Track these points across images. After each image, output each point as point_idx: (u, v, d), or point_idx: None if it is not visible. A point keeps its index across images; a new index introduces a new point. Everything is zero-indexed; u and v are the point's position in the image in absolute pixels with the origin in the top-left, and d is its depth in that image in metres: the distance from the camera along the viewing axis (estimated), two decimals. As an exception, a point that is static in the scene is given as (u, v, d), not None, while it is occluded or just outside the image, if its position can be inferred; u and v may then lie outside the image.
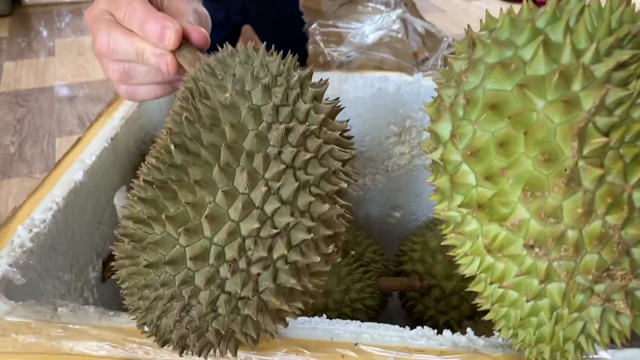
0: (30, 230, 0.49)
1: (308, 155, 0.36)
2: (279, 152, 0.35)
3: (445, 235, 0.40)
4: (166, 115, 0.75)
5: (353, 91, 0.77)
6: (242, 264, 0.34)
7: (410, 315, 0.74)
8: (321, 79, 0.43)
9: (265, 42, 0.45)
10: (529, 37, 0.34)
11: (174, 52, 0.45)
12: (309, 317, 0.42)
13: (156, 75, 0.47)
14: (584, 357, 0.38)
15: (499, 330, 0.39)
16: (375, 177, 0.83)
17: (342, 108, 0.44)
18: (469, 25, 0.39)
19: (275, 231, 0.34)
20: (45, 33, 2.13)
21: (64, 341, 0.39)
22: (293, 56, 0.42)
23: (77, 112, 1.58)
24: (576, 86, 0.32)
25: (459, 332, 0.40)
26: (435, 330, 0.41)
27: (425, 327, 0.40)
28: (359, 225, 0.84)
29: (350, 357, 0.38)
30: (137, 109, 0.68)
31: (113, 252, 0.39)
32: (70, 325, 0.40)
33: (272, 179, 0.35)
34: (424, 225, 0.80)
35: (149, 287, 0.35)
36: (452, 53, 0.40)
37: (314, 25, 0.86)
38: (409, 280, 0.70)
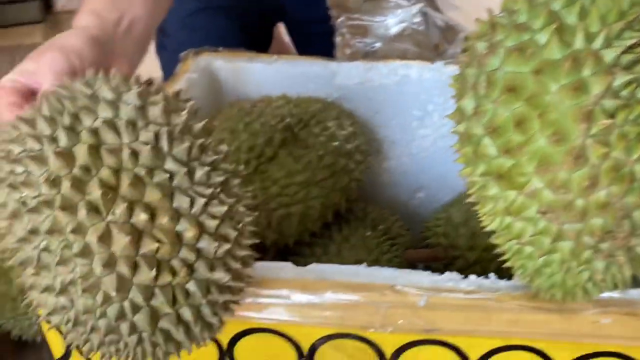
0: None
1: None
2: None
3: (470, 195, 0.45)
4: (207, 105, 0.81)
5: (378, 79, 0.83)
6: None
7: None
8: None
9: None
10: (544, 21, 0.39)
11: None
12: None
13: None
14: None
15: (518, 276, 0.45)
16: (400, 160, 0.89)
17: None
18: (489, 9, 0.45)
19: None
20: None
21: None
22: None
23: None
24: (586, 72, 0.37)
25: (483, 277, 0.46)
26: (463, 275, 0.47)
27: (453, 272, 0.46)
28: (384, 207, 0.89)
29: (389, 295, 0.44)
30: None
31: None
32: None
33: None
34: (447, 204, 0.85)
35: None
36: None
37: (341, 19, 0.93)
38: (433, 251, 0.76)
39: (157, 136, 0.39)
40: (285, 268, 0.48)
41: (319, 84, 0.84)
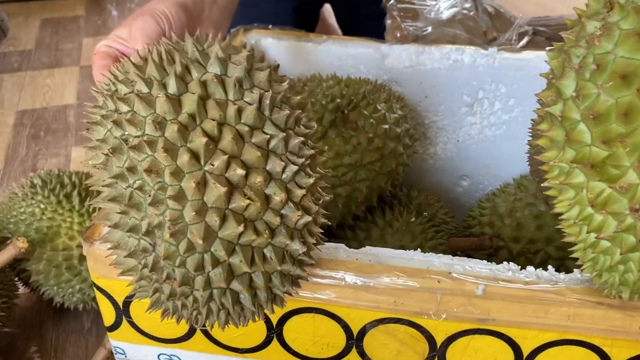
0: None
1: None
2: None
3: (546, 181, 0.42)
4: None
5: (429, 63, 0.81)
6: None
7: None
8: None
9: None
10: None
11: None
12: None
13: None
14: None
15: (584, 269, 0.43)
16: (446, 146, 0.87)
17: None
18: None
19: None
20: (117, 13, 2.24)
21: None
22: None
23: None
24: None
25: (540, 268, 0.45)
26: (520, 267, 0.45)
27: (511, 263, 0.45)
28: (428, 192, 0.88)
29: (446, 282, 0.43)
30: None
31: None
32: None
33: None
34: (491, 193, 0.84)
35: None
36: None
37: (391, 2, 0.91)
38: (479, 240, 0.75)
39: (260, 99, 0.40)
40: (340, 249, 0.47)
41: (369, 65, 0.83)
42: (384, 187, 0.73)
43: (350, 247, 0.73)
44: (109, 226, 0.42)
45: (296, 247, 0.40)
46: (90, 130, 0.44)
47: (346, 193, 0.70)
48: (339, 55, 0.83)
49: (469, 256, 0.79)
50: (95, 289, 0.51)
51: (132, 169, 0.39)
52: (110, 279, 0.49)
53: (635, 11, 0.36)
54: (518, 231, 0.74)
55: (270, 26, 0.85)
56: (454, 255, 0.77)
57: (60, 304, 0.83)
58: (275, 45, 0.84)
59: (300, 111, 0.43)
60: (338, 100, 0.71)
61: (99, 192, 0.43)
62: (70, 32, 2.02)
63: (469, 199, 0.91)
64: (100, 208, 0.51)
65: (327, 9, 1.21)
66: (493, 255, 0.76)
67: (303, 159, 0.41)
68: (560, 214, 0.42)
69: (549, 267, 0.45)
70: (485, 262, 0.46)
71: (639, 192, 0.36)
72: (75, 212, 0.79)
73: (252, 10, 1.01)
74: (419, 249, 0.71)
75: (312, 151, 0.43)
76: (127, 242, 0.41)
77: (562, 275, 0.44)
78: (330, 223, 0.48)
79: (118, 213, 0.41)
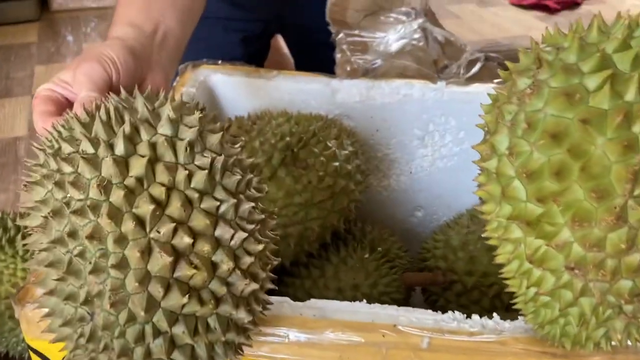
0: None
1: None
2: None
3: (487, 232, 0.43)
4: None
5: (380, 97, 0.82)
6: None
7: (433, 310, 0.79)
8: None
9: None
10: (596, 66, 0.36)
11: None
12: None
13: None
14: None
15: (527, 320, 0.43)
16: (399, 179, 0.88)
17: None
18: (532, 39, 0.42)
19: None
20: (72, 38, 2.20)
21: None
22: None
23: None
24: (636, 128, 0.34)
25: (486, 317, 0.45)
26: (465, 315, 0.45)
27: (455, 312, 0.45)
28: (383, 224, 0.88)
29: (391, 336, 0.43)
30: (180, 113, 0.73)
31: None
32: None
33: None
34: (445, 225, 0.84)
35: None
36: (495, 60, 0.44)
37: (340, 35, 0.91)
38: (432, 275, 0.75)
39: (212, 163, 0.39)
40: (284, 304, 0.46)
41: (320, 100, 0.83)
42: (336, 224, 0.73)
43: (303, 286, 0.72)
44: (45, 293, 0.40)
45: (242, 315, 0.39)
46: (28, 189, 0.42)
47: (298, 232, 0.69)
48: (289, 90, 0.83)
49: (424, 291, 0.80)
50: (30, 350, 0.49)
51: (73, 234, 0.38)
52: (45, 341, 0.47)
53: (562, 69, 0.37)
54: (471, 264, 0.74)
55: (219, 61, 0.85)
56: (408, 291, 0.78)
57: (4, 353, 0.80)
58: (225, 81, 0.83)
59: (251, 175, 0.42)
60: (287, 138, 0.70)
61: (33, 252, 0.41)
62: (21, 59, 1.98)
63: (424, 230, 0.92)
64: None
65: (280, 39, 1.21)
66: (447, 289, 0.76)
67: (253, 225, 0.40)
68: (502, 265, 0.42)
69: (494, 315, 0.45)
70: (430, 312, 0.45)
71: (574, 251, 0.36)
72: (19, 258, 0.76)
73: (200, 43, 1.00)
74: (371, 289, 0.71)
75: (263, 216, 0.42)
76: (62, 310, 0.40)
77: (507, 324, 0.44)
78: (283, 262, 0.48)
79: (55, 280, 0.39)
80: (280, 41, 1.22)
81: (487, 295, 0.73)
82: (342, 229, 0.76)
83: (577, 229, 0.36)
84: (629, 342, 0.40)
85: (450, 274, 0.74)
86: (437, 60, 1.03)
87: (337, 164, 0.71)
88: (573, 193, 0.36)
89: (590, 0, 2.63)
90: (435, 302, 0.77)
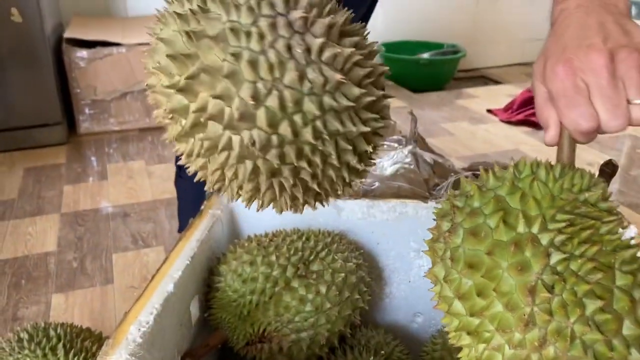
0: (139, 329, 0.65)
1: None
2: None
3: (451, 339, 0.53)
4: (228, 237, 0.92)
5: (379, 215, 0.94)
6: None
7: (434, 408, 0.86)
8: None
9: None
10: (493, 208, 0.49)
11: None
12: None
13: None
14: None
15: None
16: (399, 286, 0.98)
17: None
18: (449, 192, 0.55)
19: None
20: (95, 158, 2.39)
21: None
22: None
23: (130, 231, 1.78)
24: (527, 253, 0.46)
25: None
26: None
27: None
28: (387, 329, 0.97)
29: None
30: (207, 233, 0.85)
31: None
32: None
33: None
34: (442, 329, 0.93)
35: None
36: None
37: (345, 161, 1.06)
38: (432, 375, 0.83)
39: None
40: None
41: (327, 218, 0.95)
42: (343, 329, 0.82)
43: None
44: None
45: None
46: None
47: (309, 337, 0.78)
48: (300, 210, 0.95)
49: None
50: None
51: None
52: None
53: (470, 215, 0.49)
54: (466, 364, 0.82)
55: (240, 186, 0.98)
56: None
57: None
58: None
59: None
60: (300, 253, 0.82)
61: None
62: (52, 180, 2.15)
63: (424, 334, 1.00)
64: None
65: None
66: (447, 388, 0.84)
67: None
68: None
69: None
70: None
71: (506, 351, 0.46)
72: (61, 365, 0.85)
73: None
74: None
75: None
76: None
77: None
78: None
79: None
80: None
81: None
82: (349, 334, 0.85)
83: (504, 334, 0.46)
84: None
85: (447, 374, 0.82)
86: (428, 179, 1.17)
87: (343, 275, 0.82)
88: (494, 307, 0.46)
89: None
90: (436, 400, 0.84)
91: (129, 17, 3.01)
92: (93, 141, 2.54)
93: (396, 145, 1.12)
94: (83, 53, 2.48)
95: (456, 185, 1.11)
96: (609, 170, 0.70)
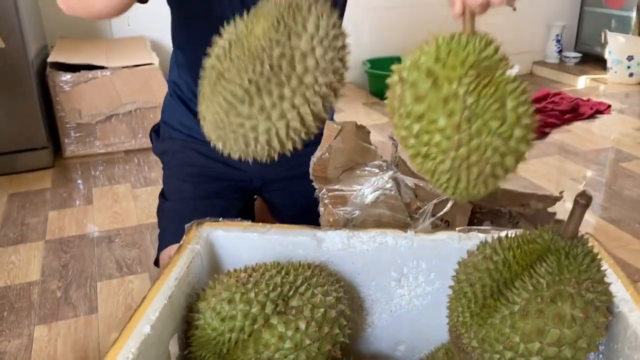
0: (115, 375, 0.64)
1: None
2: None
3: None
4: (207, 271, 0.92)
5: (359, 245, 0.94)
6: None
7: None
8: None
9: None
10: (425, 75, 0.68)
11: None
12: None
13: None
14: None
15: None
16: (381, 316, 0.98)
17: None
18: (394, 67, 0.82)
19: None
20: (82, 181, 2.38)
21: None
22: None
23: (114, 257, 1.77)
24: (452, 103, 0.65)
25: None
26: None
27: None
28: (370, 359, 0.97)
29: None
30: (186, 269, 0.85)
31: None
32: None
33: None
34: (424, 357, 0.93)
35: None
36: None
37: (322, 191, 1.06)
38: (413, 407, 0.83)
39: None
40: None
41: (307, 249, 0.95)
42: (324, 364, 0.82)
43: None
44: None
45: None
46: None
47: (290, 373, 0.78)
48: (280, 242, 0.95)
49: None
50: None
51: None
52: None
53: (411, 84, 0.69)
54: (448, 394, 0.82)
55: (220, 218, 0.98)
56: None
57: None
58: (225, 236, 0.95)
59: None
60: (279, 288, 0.82)
61: None
62: (36, 206, 2.13)
63: (407, 363, 1.00)
64: None
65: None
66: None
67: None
68: None
69: None
70: None
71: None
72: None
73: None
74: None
75: None
76: None
77: None
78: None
79: None
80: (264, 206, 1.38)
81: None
82: (331, 367, 0.85)
83: (441, 135, 0.66)
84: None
85: (429, 406, 0.82)
86: (410, 203, 1.17)
87: (322, 309, 0.82)
88: (436, 123, 0.67)
89: (558, 129, 2.87)
90: None
91: (114, 38, 3.02)
92: (79, 164, 2.53)
93: (377, 170, 1.13)
94: (67, 77, 2.48)
95: (443, 204, 1.12)
96: (583, 201, 0.72)
